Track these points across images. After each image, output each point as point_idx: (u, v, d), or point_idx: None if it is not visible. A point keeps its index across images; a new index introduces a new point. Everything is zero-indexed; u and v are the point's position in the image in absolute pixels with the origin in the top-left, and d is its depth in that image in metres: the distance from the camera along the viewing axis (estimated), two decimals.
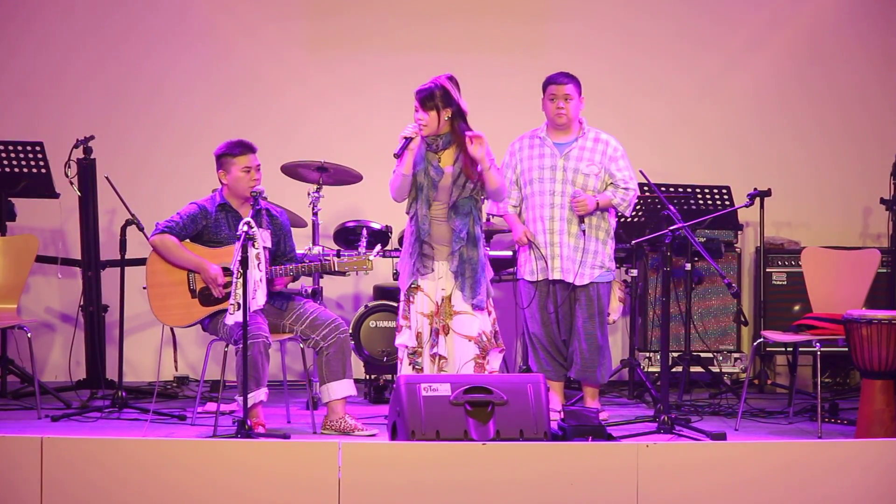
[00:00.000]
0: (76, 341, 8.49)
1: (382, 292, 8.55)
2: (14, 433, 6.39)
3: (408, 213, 7.07)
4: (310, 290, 8.01)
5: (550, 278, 7.47)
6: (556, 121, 7.50)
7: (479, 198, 7.05)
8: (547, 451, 5.86)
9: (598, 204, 7.42)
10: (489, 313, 7.06)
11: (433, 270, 7.02)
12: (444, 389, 6.37)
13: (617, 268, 7.75)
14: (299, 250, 7.51)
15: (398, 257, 8.07)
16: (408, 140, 6.91)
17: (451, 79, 7.04)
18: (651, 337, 8.73)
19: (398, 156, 6.92)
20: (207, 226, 7.14)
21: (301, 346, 7.18)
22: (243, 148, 7.17)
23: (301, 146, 8.79)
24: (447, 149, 7.05)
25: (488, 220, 8.20)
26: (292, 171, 8.23)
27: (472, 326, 6.99)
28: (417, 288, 7.03)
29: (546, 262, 7.46)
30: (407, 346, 7.06)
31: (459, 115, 7.00)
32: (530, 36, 9.26)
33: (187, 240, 7.16)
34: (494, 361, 7.02)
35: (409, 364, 7.05)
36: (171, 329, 7.40)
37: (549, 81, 7.53)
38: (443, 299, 7.01)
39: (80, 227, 8.50)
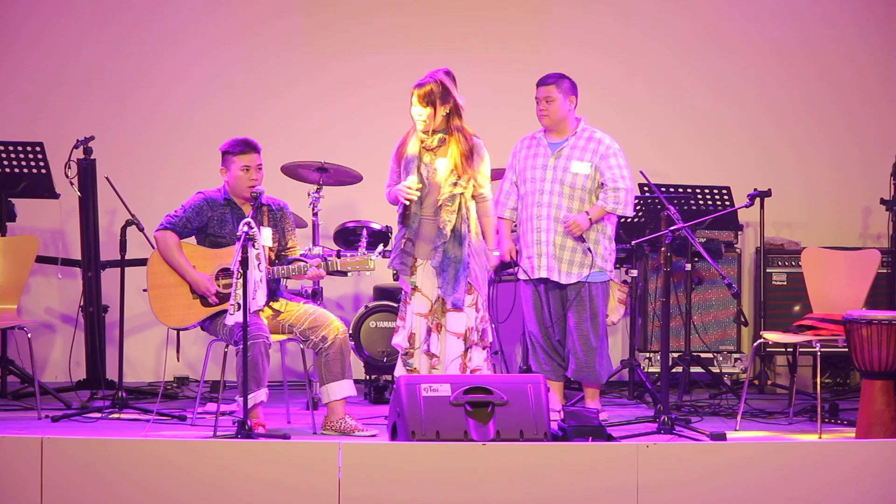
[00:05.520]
0: (76, 342, 8.48)
1: (382, 293, 8.54)
2: (14, 433, 6.39)
3: (399, 210, 7.09)
4: (310, 291, 8.00)
5: (534, 276, 7.45)
6: (541, 122, 7.50)
7: (470, 195, 7.06)
8: (547, 452, 5.86)
9: (591, 221, 7.38)
10: (478, 310, 7.06)
11: (413, 273, 7.03)
12: (445, 390, 6.37)
13: (617, 268, 7.72)
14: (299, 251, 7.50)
15: None
16: (406, 204, 7.03)
17: (447, 73, 7.06)
18: (651, 337, 8.72)
19: (402, 219, 7.07)
20: (213, 218, 7.13)
21: (301, 346, 7.17)
22: (244, 146, 7.15)
23: (301, 146, 8.79)
24: (441, 146, 7.06)
25: None
26: (292, 171, 8.22)
27: (461, 323, 7.00)
28: (416, 289, 7.05)
29: (529, 274, 7.45)
30: (401, 347, 7.08)
31: (455, 112, 7.03)
32: (530, 29, 9.24)
33: (192, 238, 7.16)
34: (477, 358, 7.01)
35: (403, 365, 7.07)
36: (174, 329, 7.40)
37: (537, 84, 7.53)
38: (437, 297, 7.02)
39: (80, 227, 8.49)
